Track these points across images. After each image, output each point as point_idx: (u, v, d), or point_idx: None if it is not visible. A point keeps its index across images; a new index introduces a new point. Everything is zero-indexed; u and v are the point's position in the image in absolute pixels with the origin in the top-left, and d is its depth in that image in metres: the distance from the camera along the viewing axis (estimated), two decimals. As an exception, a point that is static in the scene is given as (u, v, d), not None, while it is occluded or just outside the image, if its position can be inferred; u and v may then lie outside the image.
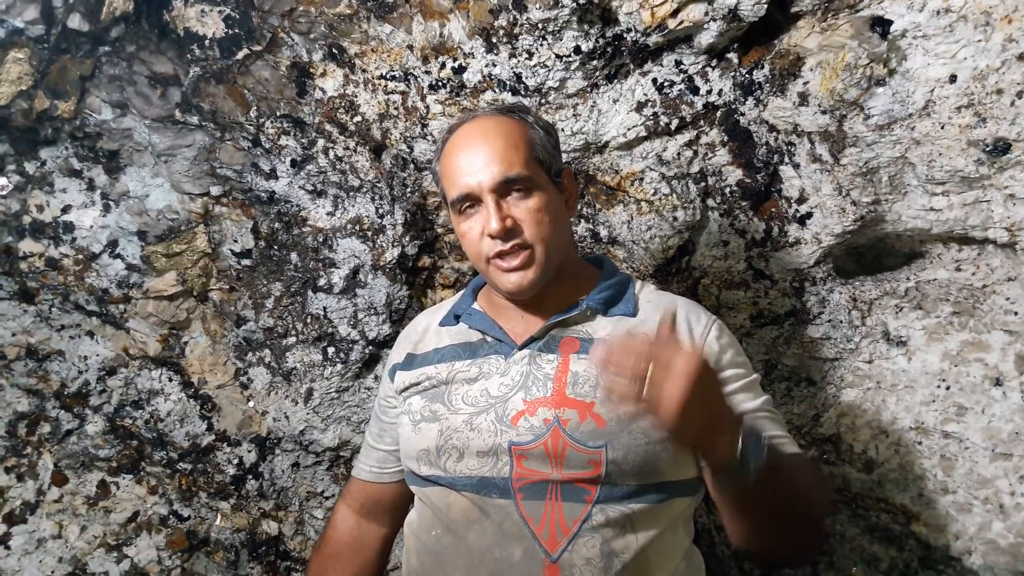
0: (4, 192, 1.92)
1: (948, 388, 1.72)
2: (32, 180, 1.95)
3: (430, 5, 1.81)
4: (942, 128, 1.56)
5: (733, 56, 1.78)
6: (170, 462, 2.11)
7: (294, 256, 2.01)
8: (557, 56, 1.78)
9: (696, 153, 1.87)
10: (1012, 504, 1.62)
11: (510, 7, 1.75)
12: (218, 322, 2.09)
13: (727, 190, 1.88)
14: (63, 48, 1.83)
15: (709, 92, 1.81)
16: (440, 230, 2.07)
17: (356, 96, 1.95)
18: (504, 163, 1.36)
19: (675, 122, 1.83)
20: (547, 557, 1.24)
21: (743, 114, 1.81)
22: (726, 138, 1.84)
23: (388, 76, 1.91)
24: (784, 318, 1.92)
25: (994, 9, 1.46)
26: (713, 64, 1.79)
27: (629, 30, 1.75)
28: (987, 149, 1.52)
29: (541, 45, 1.78)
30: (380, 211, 1.99)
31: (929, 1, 1.52)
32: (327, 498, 2.19)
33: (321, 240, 1.99)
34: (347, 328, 2.02)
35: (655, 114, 1.83)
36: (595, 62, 1.80)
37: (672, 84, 1.82)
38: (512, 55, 1.81)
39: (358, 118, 1.97)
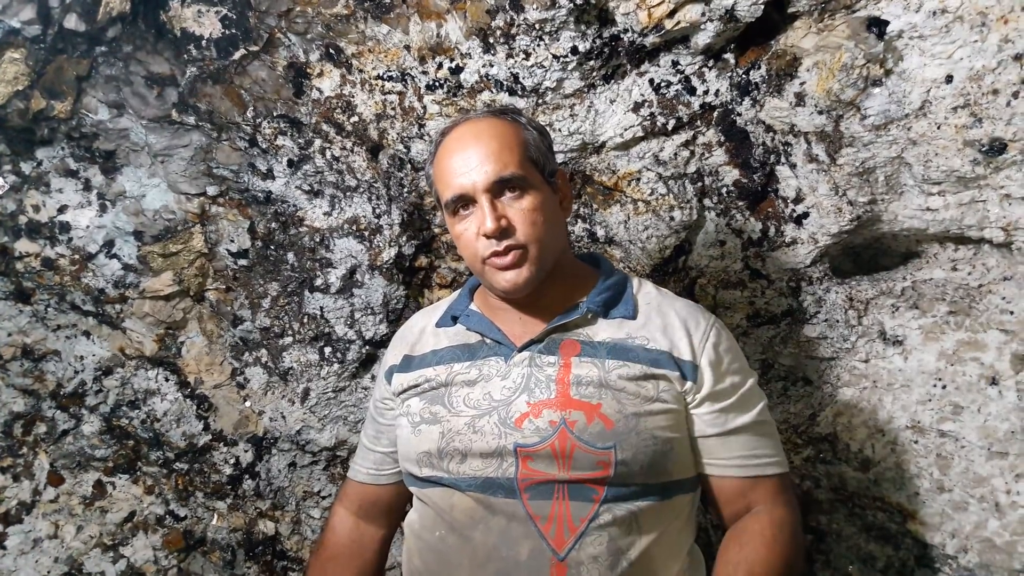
0: (0, 192, 1.92)
1: (944, 387, 1.73)
2: (28, 180, 1.94)
3: (427, 5, 1.81)
4: (938, 128, 1.57)
5: (730, 56, 1.78)
6: (166, 462, 2.10)
7: (291, 256, 2.01)
8: (554, 56, 1.79)
9: (693, 153, 1.87)
10: (1008, 502, 1.63)
11: (507, 8, 1.75)
12: (214, 322, 2.09)
13: (724, 190, 1.88)
14: (59, 48, 1.83)
15: (706, 92, 1.81)
16: (437, 230, 2.07)
17: (353, 96, 1.95)
18: (498, 163, 1.35)
19: (672, 122, 1.84)
20: (554, 555, 1.24)
21: (740, 114, 1.82)
22: (723, 138, 1.85)
23: (385, 76, 1.91)
24: (781, 318, 1.93)
25: (990, 10, 1.46)
26: (710, 64, 1.79)
27: (626, 31, 1.76)
28: (983, 149, 1.53)
29: (538, 45, 1.78)
30: (377, 211, 1.99)
31: (925, 2, 1.52)
32: (324, 498, 2.19)
33: (318, 240, 1.99)
34: (344, 328, 2.02)
35: (652, 114, 1.84)
36: (592, 62, 1.80)
37: (669, 84, 1.82)
38: (509, 55, 1.81)
39: (355, 118, 1.96)
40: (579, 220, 1.97)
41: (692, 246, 1.94)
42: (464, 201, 1.38)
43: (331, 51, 1.91)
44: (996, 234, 1.60)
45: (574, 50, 1.77)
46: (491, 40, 1.81)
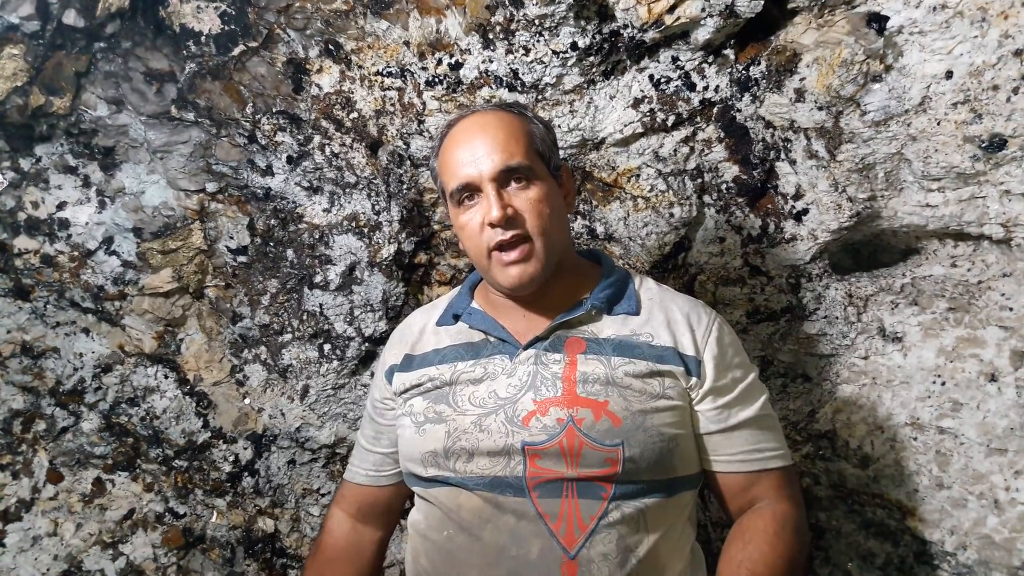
0: (-1, 188, 1.92)
1: (943, 384, 1.73)
2: (27, 177, 1.94)
3: (426, 1, 1.81)
4: (938, 124, 1.57)
5: (730, 52, 1.78)
6: (166, 459, 2.10)
7: (290, 253, 2.01)
8: (554, 52, 1.78)
9: (693, 149, 1.87)
10: (1007, 499, 1.63)
11: (507, 3, 1.75)
12: (214, 319, 2.08)
13: (723, 186, 1.88)
14: (58, 44, 1.82)
15: (706, 88, 1.81)
16: (436, 227, 2.07)
17: (352, 92, 1.95)
18: (505, 152, 1.36)
19: (672, 118, 1.84)
20: (565, 554, 1.24)
21: (740, 110, 1.82)
22: (723, 134, 1.85)
23: (384, 72, 1.91)
24: (780, 314, 1.92)
25: (990, 5, 1.46)
26: (710, 60, 1.79)
27: (626, 26, 1.75)
28: (983, 145, 1.53)
29: (538, 41, 1.78)
30: (376, 208, 1.98)
31: (925, -3, 1.53)
32: (323, 495, 2.19)
33: (317, 237, 1.99)
34: (343, 325, 2.02)
35: (652, 110, 1.84)
36: (592, 58, 1.80)
37: (669, 80, 1.82)
38: (509, 51, 1.81)
39: (354, 114, 1.96)
40: (579, 216, 1.97)
41: (692, 243, 1.94)
42: (469, 191, 1.38)
43: (330, 47, 1.91)
44: (996, 230, 1.60)
45: (574, 46, 1.77)
46: (491, 36, 1.81)
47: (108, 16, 1.82)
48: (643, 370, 1.34)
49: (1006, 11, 1.45)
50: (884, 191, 1.72)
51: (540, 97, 1.86)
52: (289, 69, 1.93)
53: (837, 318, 1.87)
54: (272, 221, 2.01)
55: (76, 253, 1.98)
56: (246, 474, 2.14)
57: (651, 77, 1.82)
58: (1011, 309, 1.64)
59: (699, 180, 1.89)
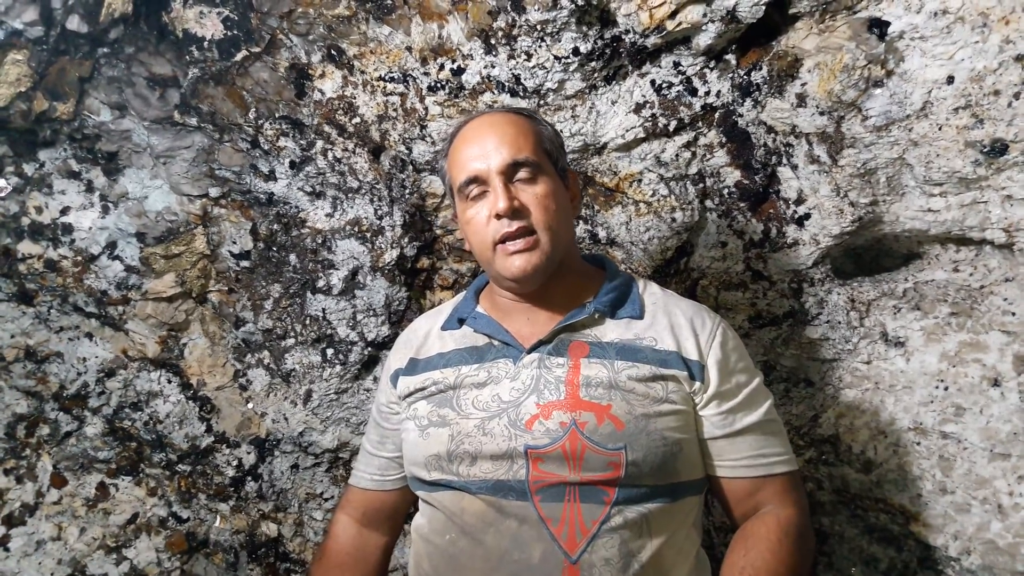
0: (3, 194, 1.92)
1: (946, 389, 1.72)
2: (31, 182, 1.95)
3: (429, 7, 1.82)
4: (939, 129, 1.57)
5: (731, 57, 1.78)
6: (169, 464, 2.11)
7: (293, 257, 2.01)
8: (556, 57, 1.79)
9: (694, 154, 1.87)
10: (1010, 504, 1.62)
11: (509, 9, 1.75)
12: (217, 324, 2.09)
13: (725, 191, 1.88)
14: (62, 50, 1.83)
15: (707, 93, 1.81)
16: (439, 231, 2.07)
17: (355, 97, 1.95)
18: (513, 147, 1.39)
19: (673, 123, 1.84)
20: (567, 558, 1.24)
21: (741, 115, 1.82)
22: (724, 139, 1.85)
23: (387, 77, 1.91)
24: (782, 319, 1.92)
25: (991, 10, 1.46)
26: (711, 65, 1.79)
27: (627, 32, 1.76)
28: (984, 150, 1.53)
29: (540, 46, 1.78)
30: (379, 212, 1.99)
31: (927, 2, 1.52)
32: (326, 500, 2.19)
33: (320, 241, 1.99)
34: (346, 329, 2.02)
35: (653, 115, 1.84)
36: (593, 63, 1.80)
37: (670, 85, 1.82)
38: (511, 56, 1.81)
39: (357, 119, 1.97)
40: (581, 221, 1.97)
41: (694, 247, 1.94)
42: (477, 184, 1.40)
43: (333, 52, 1.91)
44: (998, 235, 1.60)
45: (575, 51, 1.77)
46: (493, 41, 1.81)
47: (111, 22, 1.83)
48: (646, 374, 1.34)
49: (1007, 16, 1.45)
50: (886, 196, 1.72)
51: (542, 102, 1.86)
52: (292, 74, 1.93)
53: (839, 323, 1.87)
54: (275, 226, 2.01)
55: (79, 258, 1.99)
56: (249, 478, 2.14)
57: (653, 82, 1.82)
58: (1014, 314, 1.64)
59: (701, 185, 1.89)
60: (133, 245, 2.01)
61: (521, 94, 1.85)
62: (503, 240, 1.37)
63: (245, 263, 2.03)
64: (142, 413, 2.08)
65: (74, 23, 1.79)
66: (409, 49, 1.87)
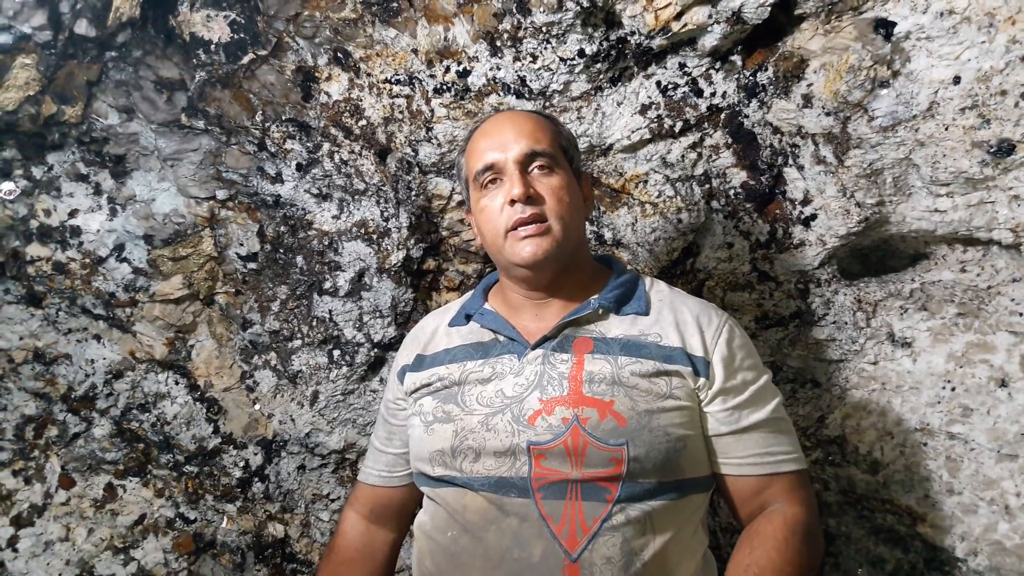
0: (11, 197, 1.93)
1: (953, 389, 1.72)
2: (39, 185, 1.95)
3: (434, 9, 1.82)
4: (946, 130, 1.56)
5: (737, 58, 1.78)
6: (176, 465, 2.11)
7: (300, 259, 2.02)
8: (561, 59, 1.79)
9: (700, 155, 1.87)
10: (1018, 505, 1.62)
11: (514, 11, 1.75)
12: (224, 325, 2.09)
13: (731, 192, 1.88)
14: (70, 54, 1.84)
15: (713, 94, 1.81)
16: (445, 233, 2.07)
17: (361, 100, 1.96)
18: (531, 138, 1.43)
19: (679, 124, 1.84)
20: (567, 557, 1.24)
21: (747, 116, 1.82)
22: (730, 140, 1.85)
23: (393, 80, 1.92)
24: (789, 320, 1.92)
25: (998, 11, 1.46)
26: (717, 66, 1.79)
27: (633, 33, 1.76)
28: (991, 150, 1.52)
29: (545, 48, 1.79)
30: (385, 214, 1.99)
31: (933, 3, 1.52)
32: (333, 500, 2.20)
33: (326, 243, 2.00)
34: (352, 331, 2.03)
35: (659, 116, 1.84)
36: (599, 65, 1.80)
37: (676, 87, 1.82)
38: (516, 58, 1.82)
39: (363, 122, 1.97)
40: (587, 223, 1.97)
41: (700, 248, 1.94)
42: (493, 172, 1.43)
43: (339, 55, 1.92)
44: (1005, 235, 1.60)
45: (581, 53, 1.77)
46: (498, 43, 1.81)
47: (119, 26, 1.83)
48: (650, 370, 1.34)
49: (1013, 16, 1.45)
50: (892, 196, 1.72)
51: (548, 104, 1.86)
52: (298, 77, 1.94)
53: (846, 323, 1.87)
54: (282, 228, 2.02)
55: (87, 260, 1.99)
56: (256, 479, 2.15)
57: (658, 83, 1.82)
58: (1021, 314, 1.63)
59: (707, 186, 1.89)
60: (141, 247, 2.01)
61: (527, 96, 1.86)
62: (516, 226, 1.38)
63: (252, 265, 2.03)
64: (150, 414, 2.08)
65: (82, 27, 1.80)
66: (415, 51, 1.88)
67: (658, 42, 1.75)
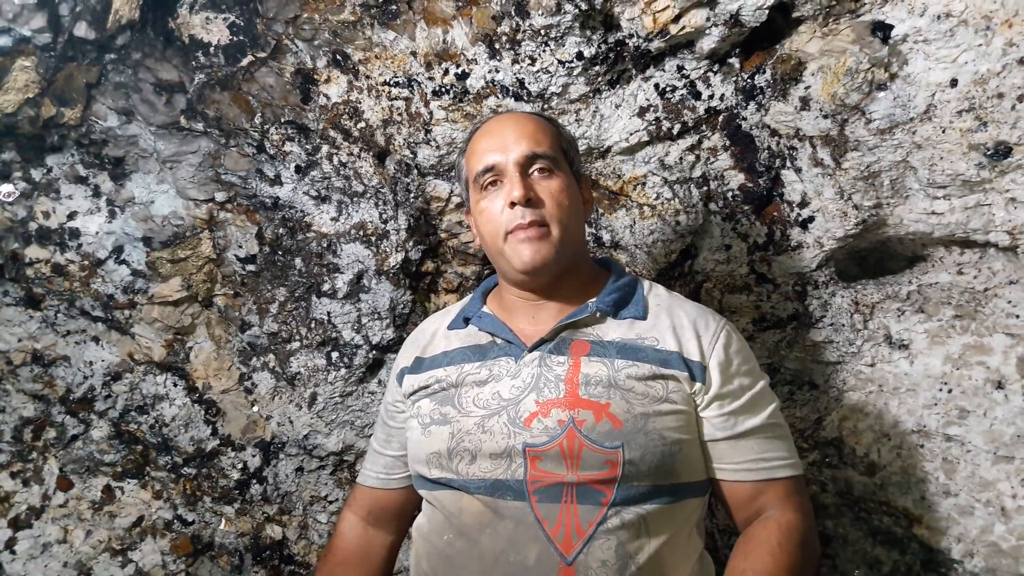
0: (11, 199, 1.93)
1: (950, 391, 1.72)
2: (38, 187, 1.96)
3: (433, 12, 1.82)
4: (943, 132, 1.57)
5: (735, 61, 1.79)
6: (175, 467, 2.11)
7: (298, 261, 2.02)
8: (560, 62, 1.79)
9: (698, 158, 1.88)
10: (1014, 507, 1.62)
11: (513, 13, 1.76)
12: (223, 327, 2.10)
13: (729, 194, 1.89)
14: (69, 56, 1.84)
15: (711, 97, 1.82)
16: (443, 235, 2.08)
17: (360, 102, 1.96)
18: (532, 140, 1.42)
19: (677, 127, 1.84)
20: (562, 560, 1.24)
21: (745, 119, 1.82)
22: (728, 143, 1.85)
23: (392, 82, 1.92)
24: (786, 322, 1.93)
25: (995, 13, 1.47)
26: (715, 69, 1.80)
27: (631, 36, 1.76)
28: (988, 153, 1.53)
29: (544, 51, 1.79)
30: (384, 216, 1.99)
31: (930, 6, 1.53)
32: (331, 502, 2.20)
33: (325, 245, 2.00)
34: (351, 333, 2.03)
35: (657, 119, 1.84)
36: (597, 67, 1.81)
37: (674, 89, 1.83)
38: (515, 61, 1.82)
39: (362, 124, 1.98)
40: (585, 225, 1.98)
41: (698, 250, 1.95)
42: (494, 173, 1.43)
43: (338, 57, 1.92)
44: (1002, 238, 1.60)
45: (579, 55, 1.78)
46: (497, 46, 1.82)
47: (118, 28, 1.84)
48: (646, 373, 1.34)
49: (1010, 19, 1.45)
50: (890, 199, 1.72)
51: (546, 106, 1.87)
52: (297, 79, 1.94)
53: (843, 325, 1.87)
54: (280, 230, 2.02)
55: (86, 262, 1.99)
56: (254, 481, 2.15)
57: (657, 86, 1.83)
58: (1018, 316, 1.64)
59: (705, 188, 1.90)
60: (139, 249, 2.01)
61: (525, 98, 1.86)
62: (515, 230, 1.38)
63: (251, 267, 2.04)
64: (148, 416, 2.08)
65: (81, 30, 1.80)
66: (414, 54, 1.88)
67: (656, 45, 1.76)
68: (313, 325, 2.04)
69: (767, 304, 1.92)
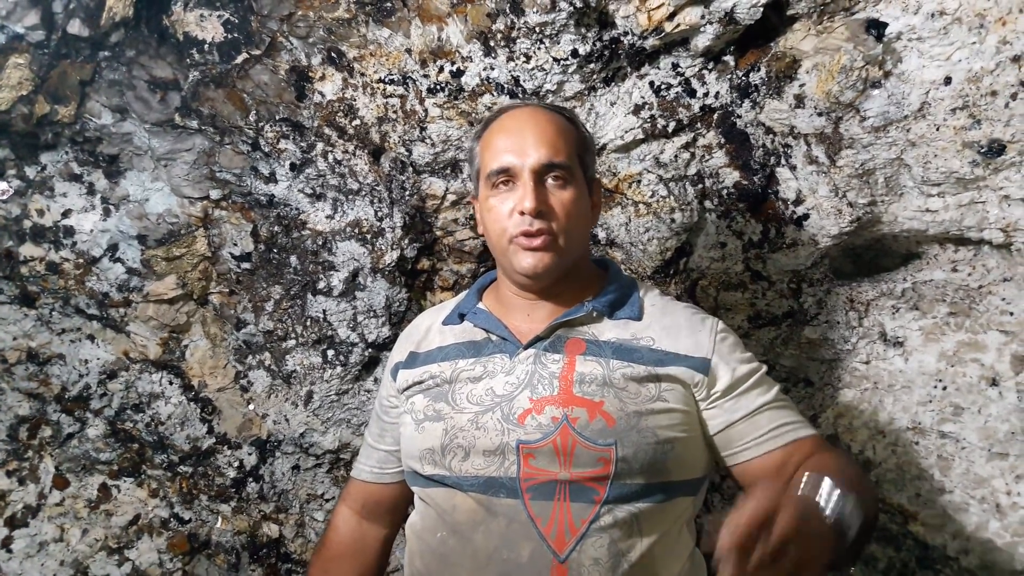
0: (5, 196, 1.93)
1: (945, 388, 1.73)
2: (33, 184, 1.95)
3: (428, 9, 1.82)
4: (937, 130, 1.57)
5: (729, 59, 1.79)
6: (171, 465, 2.11)
7: (293, 259, 2.02)
8: (554, 59, 1.79)
9: (693, 155, 1.88)
10: (1008, 503, 1.63)
11: (508, 11, 1.76)
12: (218, 325, 2.10)
13: (724, 192, 1.89)
14: (63, 53, 1.84)
15: (706, 95, 1.82)
16: (439, 233, 2.08)
17: (355, 100, 1.96)
18: (551, 148, 1.39)
19: (672, 124, 1.84)
20: (555, 557, 1.24)
21: (740, 116, 1.82)
22: (723, 140, 1.85)
23: (387, 80, 1.92)
24: (782, 319, 1.93)
25: (988, 11, 1.47)
26: (710, 67, 1.80)
27: (626, 33, 1.76)
28: (982, 151, 1.53)
29: (539, 48, 1.79)
30: (379, 214, 1.99)
31: (924, 3, 1.53)
32: (327, 500, 2.20)
33: (320, 243, 2.00)
34: (346, 331, 2.03)
35: (652, 117, 1.84)
36: (592, 65, 1.81)
37: (669, 87, 1.82)
38: (510, 58, 1.82)
39: (357, 122, 1.97)
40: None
41: (693, 248, 1.95)
42: (507, 176, 1.40)
43: (333, 55, 1.92)
44: (996, 235, 1.60)
45: (574, 53, 1.78)
46: (492, 43, 1.82)
47: (112, 25, 1.83)
48: (641, 373, 1.34)
49: (1004, 17, 1.45)
50: (884, 196, 1.73)
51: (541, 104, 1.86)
52: (292, 77, 1.94)
53: (838, 323, 1.88)
54: (275, 228, 2.02)
55: (81, 260, 1.99)
56: (251, 480, 2.15)
57: (651, 83, 1.83)
58: (1012, 314, 1.64)
59: (700, 186, 1.90)
60: (134, 247, 2.01)
61: (520, 96, 1.86)
62: (521, 235, 1.38)
63: (246, 265, 2.04)
64: (144, 415, 2.08)
65: (75, 27, 1.80)
66: (409, 51, 1.88)
67: (651, 42, 1.76)
68: (309, 323, 2.04)
69: (762, 301, 1.93)
